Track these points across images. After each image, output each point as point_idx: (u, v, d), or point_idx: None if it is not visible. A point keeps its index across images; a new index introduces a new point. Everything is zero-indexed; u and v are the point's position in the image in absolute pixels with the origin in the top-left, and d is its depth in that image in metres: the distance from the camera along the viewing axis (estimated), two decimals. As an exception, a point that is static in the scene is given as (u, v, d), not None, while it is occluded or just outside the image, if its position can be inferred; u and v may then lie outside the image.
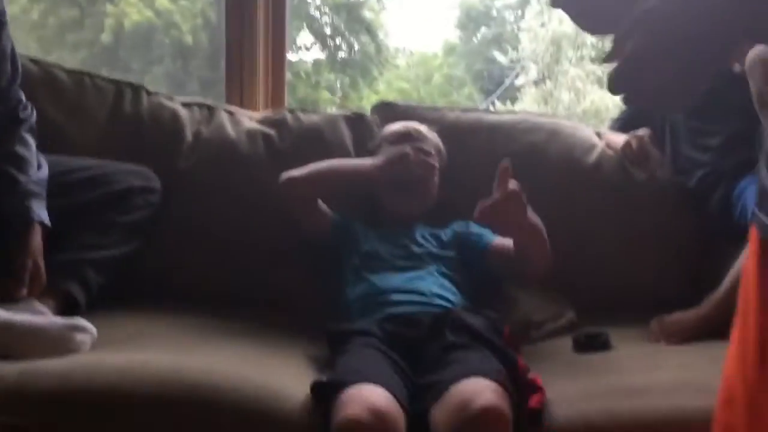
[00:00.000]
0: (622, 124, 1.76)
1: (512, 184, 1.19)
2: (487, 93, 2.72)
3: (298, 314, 1.47)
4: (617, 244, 1.60)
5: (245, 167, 1.59)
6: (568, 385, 1.13)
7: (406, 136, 1.55)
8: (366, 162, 1.52)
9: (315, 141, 1.63)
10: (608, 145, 1.70)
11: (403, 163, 1.47)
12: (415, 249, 1.45)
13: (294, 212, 1.48)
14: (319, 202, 1.49)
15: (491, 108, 2.33)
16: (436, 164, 1.55)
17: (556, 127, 1.70)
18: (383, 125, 1.67)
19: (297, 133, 1.64)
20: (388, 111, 1.72)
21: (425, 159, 1.50)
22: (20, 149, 1.29)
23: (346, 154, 1.61)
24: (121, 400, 1.00)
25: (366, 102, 2.69)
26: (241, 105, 1.86)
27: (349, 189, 1.55)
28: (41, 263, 1.23)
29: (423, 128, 1.60)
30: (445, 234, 1.51)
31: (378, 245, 1.46)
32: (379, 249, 1.45)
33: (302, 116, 1.69)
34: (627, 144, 1.65)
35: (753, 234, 0.60)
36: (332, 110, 1.73)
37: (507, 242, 1.37)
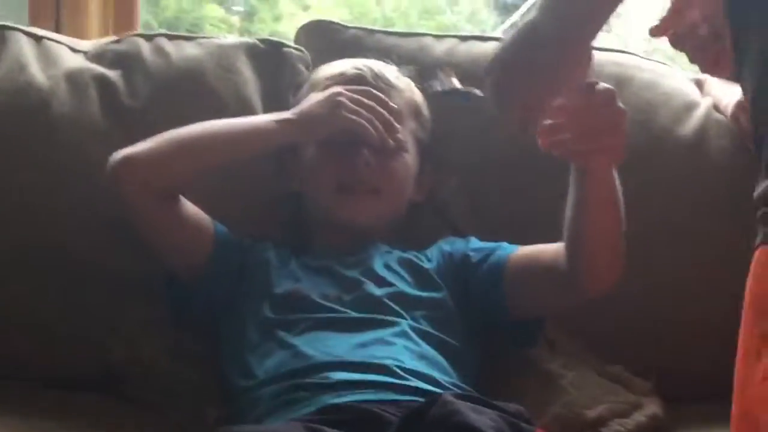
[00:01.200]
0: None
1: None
2: (505, 9, 2.69)
3: (158, 407, 1.48)
4: (731, 277, 1.60)
5: (65, 141, 1.60)
6: None
7: (354, 83, 1.57)
8: (265, 119, 1.55)
9: (192, 92, 1.65)
10: (717, 105, 1.73)
11: (332, 117, 1.49)
12: (373, 289, 1.48)
13: (139, 222, 1.50)
14: (184, 202, 1.50)
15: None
16: (406, 132, 1.57)
17: (627, 70, 1.73)
18: (317, 64, 1.69)
19: (160, 77, 1.66)
20: (325, 38, 1.75)
21: (384, 117, 1.50)
22: None
23: (249, 114, 1.63)
24: None
25: (287, 24, 2.65)
26: (58, 27, 1.85)
27: (241, 176, 1.57)
28: None
29: (389, 71, 1.62)
30: (427, 259, 1.55)
31: (305, 282, 1.49)
32: (306, 289, 1.48)
33: (169, 47, 1.70)
34: (740, 106, 1.64)
35: None
36: (226, 37, 1.77)
37: (537, 247, 1.47)
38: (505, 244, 1.52)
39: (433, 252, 1.56)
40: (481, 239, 1.57)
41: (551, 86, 1.17)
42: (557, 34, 1.11)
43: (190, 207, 1.51)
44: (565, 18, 1.10)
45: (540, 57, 1.13)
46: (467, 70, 1.67)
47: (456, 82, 1.44)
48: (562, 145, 1.27)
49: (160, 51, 1.68)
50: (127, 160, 1.46)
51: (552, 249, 1.45)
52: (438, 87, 1.47)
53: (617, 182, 1.35)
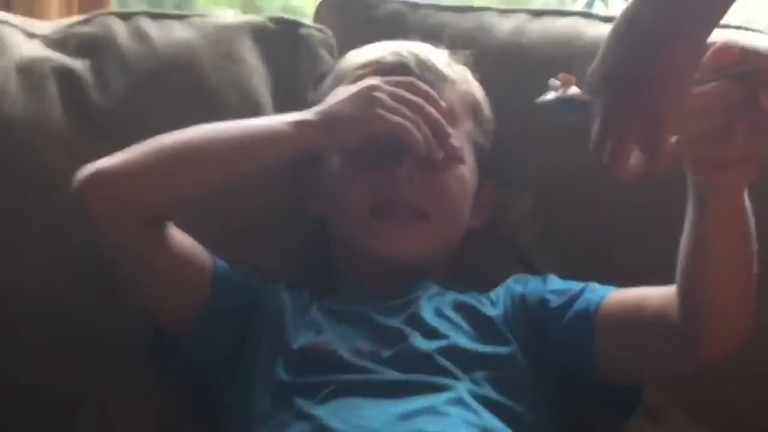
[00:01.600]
0: None
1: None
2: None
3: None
4: None
5: (18, 150, 1.53)
6: None
7: (394, 73, 1.48)
8: (277, 121, 1.45)
9: (182, 87, 1.57)
10: None
11: (365, 119, 1.41)
12: (420, 342, 1.38)
13: (115, 255, 1.42)
14: (174, 230, 1.43)
15: (597, 9, 2.52)
16: (461, 137, 1.49)
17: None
18: (344, 49, 1.61)
19: (140, 67, 1.59)
20: (355, 14, 1.70)
21: (433, 117, 1.40)
22: None
23: (255, 115, 1.55)
24: None
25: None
26: (7, 5, 1.86)
27: (243, 193, 1.51)
28: None
29: (438, 57, 1.53)
30: (491, 303, 1.45)
31: (330, 333, 1.41)
32: (332, 342, 1.39)
33: (152, 28, 1.62)
34: None
35: None
36: (224, 14, 1.76)
37: (638, 291, 1.37)
38: (594, 285, 1.40)
39: (498, 294, 1.45)
40: (562, 276, 1.45)
41: (675, 93, 1.04)
42: (667, 25, 1.00)
43: (181, 237, 1.41)
44: (673, 5, 1.00)
45: (652, 58, 1.02)
46: (540, 54, 1.59)
47: (574, 89, 1.26)
48: (687, 147, 1.13)
49: (140, 34, 1.61)
50: (99, 176, 1.36)
51: (659, 295, 1.32)
52: (549, 95, 1.26)
53: (748, 206, 1.21)
